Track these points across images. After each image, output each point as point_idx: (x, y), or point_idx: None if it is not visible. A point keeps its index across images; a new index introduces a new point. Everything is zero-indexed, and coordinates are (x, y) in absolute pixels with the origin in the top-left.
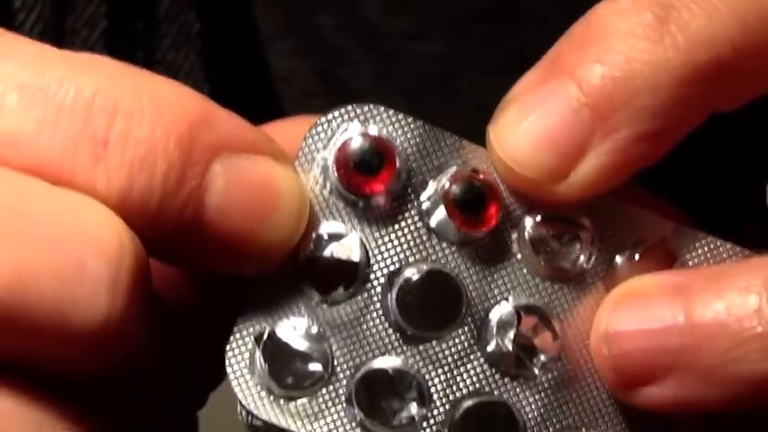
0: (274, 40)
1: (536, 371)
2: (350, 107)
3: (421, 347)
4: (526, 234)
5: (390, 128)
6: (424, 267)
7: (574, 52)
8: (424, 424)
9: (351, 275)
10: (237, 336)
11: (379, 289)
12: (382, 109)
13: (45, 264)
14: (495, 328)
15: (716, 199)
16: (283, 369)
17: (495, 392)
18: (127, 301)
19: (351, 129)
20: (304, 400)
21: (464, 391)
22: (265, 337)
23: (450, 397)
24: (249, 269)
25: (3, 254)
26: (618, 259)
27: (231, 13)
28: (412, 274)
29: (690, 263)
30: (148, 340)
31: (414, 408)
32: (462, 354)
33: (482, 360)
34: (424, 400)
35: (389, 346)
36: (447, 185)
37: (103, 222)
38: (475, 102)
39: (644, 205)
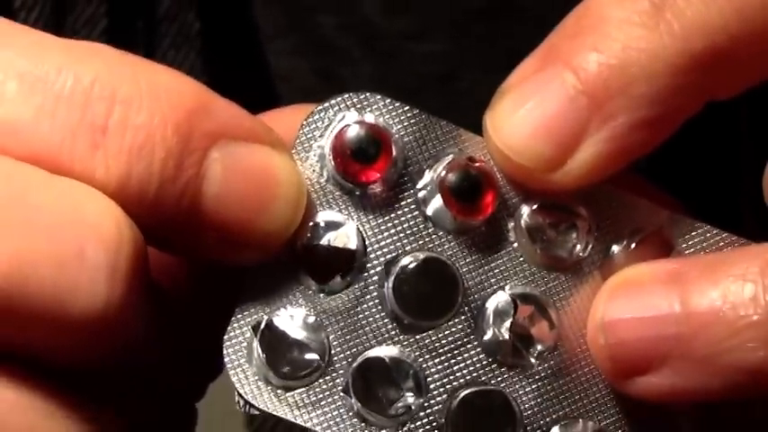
0: (274, 39)
1: (533, 360)
2: (346, 95)
3: (418, 336)
4: (523, 222)
5: (387, 116)
6: (421, 256)
7: (570, 40)
8: (421, 413)
9: (348, 264)
10: (235, 325)
11: (375, 278)
12: (379, 97)
13: (44, 252)
14: (491, 317)
15: (714, 188)
16: (281, 358)
17: (492, 381)
18: (125, 289)
19: (347, 117)
20: (301, 389)
21: (461, 380)
22: (263, 326)
23: (447, 386)
24: (246, 258)
25: (2, 242)
26: (614, 248)
27: (231, 13)
28: (409, 262)
29: (686, 251)
30: (147, 329)
31: (410, 397)
32: (459, 343)
33: (479, 349)
34: (421, 389)
35: (386, 336)
36: (443, 174)
37: (102, 210)
38: (475, 101)
39: (641, 194)
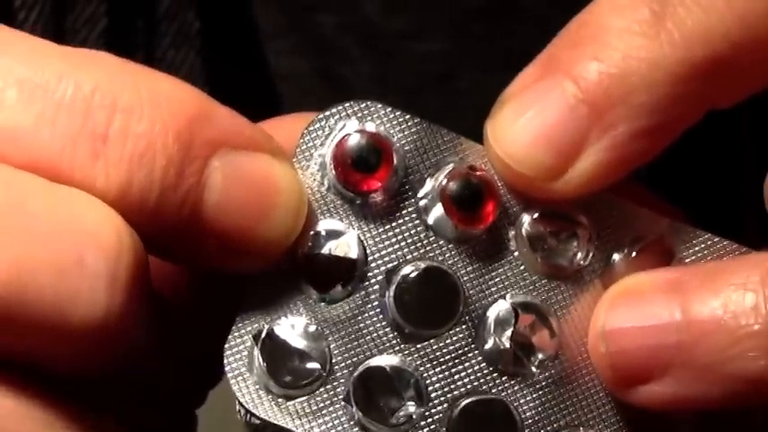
0: (274, 38)
1: (533, 369)
2: (347, 104)
3: (419, 345)
4: (523, 231)
5: (388, 125)
6: (422, 265)
7: (570, 49)
8: (422, 422)
9: (349, 273)
10: (236, 334)
11: (376, 287)
12: (380, 106)
13: (44, 260)
14: (492, 326)
15: (716, 196)
16: (281, 367)
17: (493, 390)
18: (125, 298)
19: (348, 126)
20: (302, 398)
21: (462, 389)
22: (264, 335)
23: (448, 395)
24: (247, 266)
25: (1, 250)
26: (615, 256)
27: (231, 12)
28: (410, 271)
29: (687, 260)
30: (147, 337)
31: (411, 406)
32: (460, 352)
33: (480, 358)
34: (422, 398)
35: (387, 345)
36: (444, 182)
37: (102, 219)
38: (474, 101)
39: (641, 202)
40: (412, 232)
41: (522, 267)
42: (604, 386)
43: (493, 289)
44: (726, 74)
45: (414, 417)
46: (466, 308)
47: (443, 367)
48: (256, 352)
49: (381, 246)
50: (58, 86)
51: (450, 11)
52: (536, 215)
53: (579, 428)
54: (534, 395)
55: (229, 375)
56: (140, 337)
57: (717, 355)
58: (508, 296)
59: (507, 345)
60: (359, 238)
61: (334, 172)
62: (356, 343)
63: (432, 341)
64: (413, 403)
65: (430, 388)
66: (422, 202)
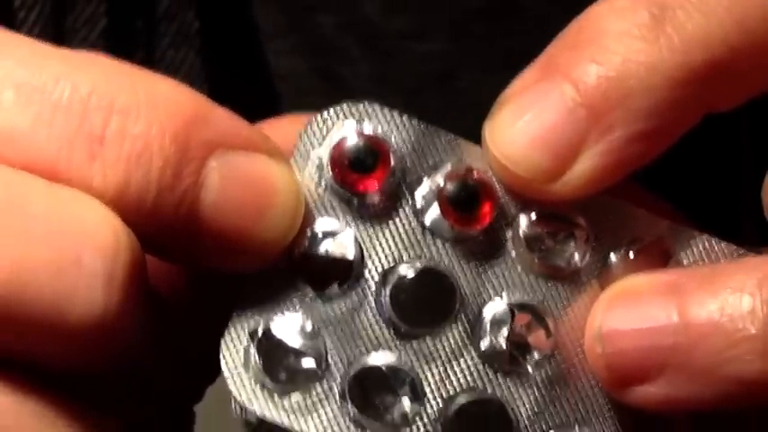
0: (274, 38)
1: (529, 368)
2: (345, 105)
3: (414, 344)
4: (521, 232)
5: (385, 126)
6: (419, 265)
7: (569, 52)
8: (417, 420)
9: (345, 272)
10: (232, 331)
11: (373, 286)
12: (377, 107)
13: (42, 260)
14: (488, 326)
15: (714, 198)
16: (277, 365)
17: (489, 389)
18: (122, 297)
19: (346, 127)
20: (298, 395)
21: (457, 387)
22: (260, 333)
23: (444, 394)
24: (244, 266)
25: (1, 250)
26: (613, 257)
27: (230, 12)
28: (406, 271)
29: (685, 261)
30: (144, 335)
31: (407, 404)
32: (456, 351)
33: (475, 357)
34: (418, 396)
35: (383, 343)
36: (441, 183)
37: (99, 219)
38: (474, 101)
39: (640, 203)
40: (409, 232)
41: (518, 268)
42: (600, 386)
43: (489, 289)
44: (724, 78)
45: (409, 415)
46: (462, 307)
47: (439, 366)
48: (252, 349)
49: (378, 245)
50: (55, 88)
51: (450, 11)
52: (533, 216)
53: (574, 428)
54: (530, 394)
55: (225, 372)
56: (137, 334)
57: (713, 357)
58: (505, 296)
59: (503, 344)
60: (355, 237)
61: (331, 173)
62: (352, 341)
63: (428, 340)
64: (408, 401)
65: (426, 386)
66: (419, 203)
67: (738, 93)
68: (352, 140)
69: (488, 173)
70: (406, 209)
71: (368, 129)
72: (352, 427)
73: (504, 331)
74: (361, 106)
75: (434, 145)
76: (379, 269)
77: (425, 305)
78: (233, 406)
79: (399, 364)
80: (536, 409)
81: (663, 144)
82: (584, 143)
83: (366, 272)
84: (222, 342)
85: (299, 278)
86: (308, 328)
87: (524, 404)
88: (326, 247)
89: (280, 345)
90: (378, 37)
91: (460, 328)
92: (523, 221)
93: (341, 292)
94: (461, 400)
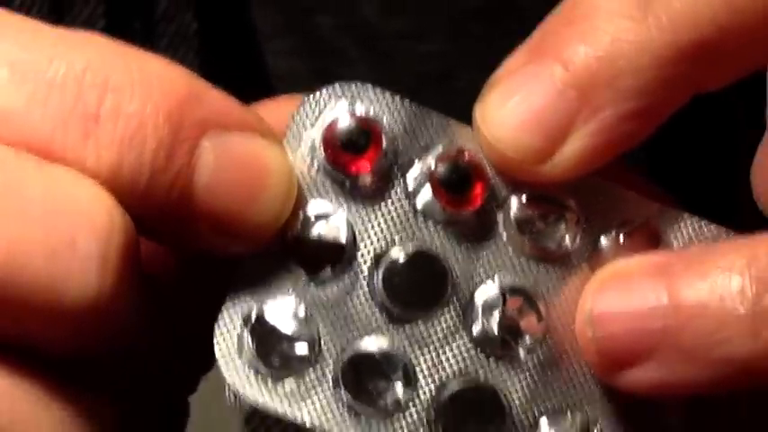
0: (272, 39)
1: (521, 353)
2: (337, 85)
3: (407, 328)
4: (512, 214)
5: (377, 107)
6: (411, 248)
7: (559, 32)
8: (410, 405)
9: (338, 255)
10: (225, 316)
11: (365, 269)
12: (369, 87)
13: (37, 241)
14: (480, 310)
15: (712, 181)
16: (271, 350)
17: (481, 374)
18: (116, 279)
19: (338, 108)
20: (291, 381)
21: (450, 373)
22: (253, 318)
23: (436, 378)
24: (237, 248)
25: None
26: (603, 240)
27: (228, 13)
28: (398, 254)
29: (675, 244)
30: (139, 317)
31: (400, 390)
32: (448, 334)
33: (467, 341)
34: (410, 381)
35: (376, 327)
36: (433, 165)
37: (94, 199)
38: (473, 101)
39: (629, 185)
40: (401, 214)
41: (510, 250)
42: (592, 370)
43: (481, 271)
44: (712, 57)
45: (402, 400)
46: (454, 290)
47: (431, 350)
48: (246, 334)
49: (370, 228)
50: (49, 67)
51: (449, 11)
52: (524, 198)
53: (567, 412)
54: (522, 378)
55: (219, 357)
56: (131, 317)
57: (703, 338)
58: (496, 279)
59: (495, 329)
60: (348, 220)
61: (323, 154)
62: (345, 325)
63: (420, 324)
64: (401, 386)
65: (418, 371)
66: (410, 185)
67: (726, 72)
68: (345, 121)
69: (479, 154)
70: (398, 191)
71: (360, 109)
72: (345, 413)
73: (496, 315)
74: (353, 87)
75: (426, 126)
76: (372, 252)
77: (418, 288)
78: (227, 393)
79: (392, 350)
80: (528, 395)
81: (652, 124)
82: (574, 124)
83: (358, 255)
84: (215, 328)
85: (291, 261)
86: (301, 312)
87: (516, 390)
88: (319, 229)
89: (273, 330)
90: (376, 38)
91: (453, 312)
92: (514, 204)
93: (333, 276)
94: (454, 386)
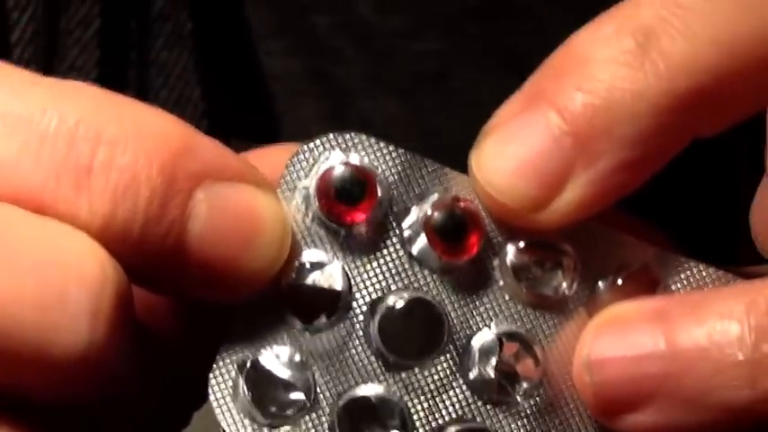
0: (267, 39)
1: (518, 398)
2: (331, 136)
3: (403, 375)
4: (508, 261)
5: (372, 156)
6: (406, 295)
7: (555, 79)
8: None
9: (333, 304)
10: (221, 364)
11: (361, 317)
12: (364, 137)
13: (27, 294)
14: (477, 356)
15: (711, 224)
16: (266, 397)
17: (478, 419)
18: (108, 330)
19: (332, 157)
20: (287, 428)
21: (446, 418)
22: (248, 365)
23: (433, 425)
24: (231, 296)
25: None
26: (600, 285)
27: (223, 13)
28: (394, 302)
29: (673, 288)
30: (131, 366)
31: None
32: (445, 381)
33: (464, 387)
34: (407, 427)
35: (372, 374)
36: (428, 213)
37: (85, 251)
38: (469, 100)
39: (627, 229)
40: (396, 263)
41: (506, 297)
42: (589, 415)
43: (477, 318)
44: (709, 104)
45: None
46: (450, 337)
47: (428, 396)
48: (241, 382)
49: (366, 276)
50: (42, 118)
51: (445, 10)
52: (521, 245)
53: None
54: (519, 424)
55: (214, 405)
56: (123, 366)
57: (701, 384)
58: (493, 325)
59: (492, 374)
60: (343, 268)
61: (318, 204)
62: (341, 373)
63: (416, 371)
64: None
65: (415, 417)
66: (406, 233)
67: (724, 118)
68: (339, 171)
69: (475, 202)
70: (394, 239)
71: (354, 159)
72: None
73: (493, 361)
74: (347, 136)
75: (421, 174)
76: (367, 300)
77: (414, 336)
78: None
79: (388, 396)
80: None
81: (649, 171)
82: (571, 172)
83: (354, 303)
84: (211, 374)
85: (286, 310)
86: (297, 359)
87: None
88: (314, 278)
89: (268, 377)
90: (372, 37)
91: (449, 359)
92: (510, 250)
93: (329, 324)
94: (451, 430)
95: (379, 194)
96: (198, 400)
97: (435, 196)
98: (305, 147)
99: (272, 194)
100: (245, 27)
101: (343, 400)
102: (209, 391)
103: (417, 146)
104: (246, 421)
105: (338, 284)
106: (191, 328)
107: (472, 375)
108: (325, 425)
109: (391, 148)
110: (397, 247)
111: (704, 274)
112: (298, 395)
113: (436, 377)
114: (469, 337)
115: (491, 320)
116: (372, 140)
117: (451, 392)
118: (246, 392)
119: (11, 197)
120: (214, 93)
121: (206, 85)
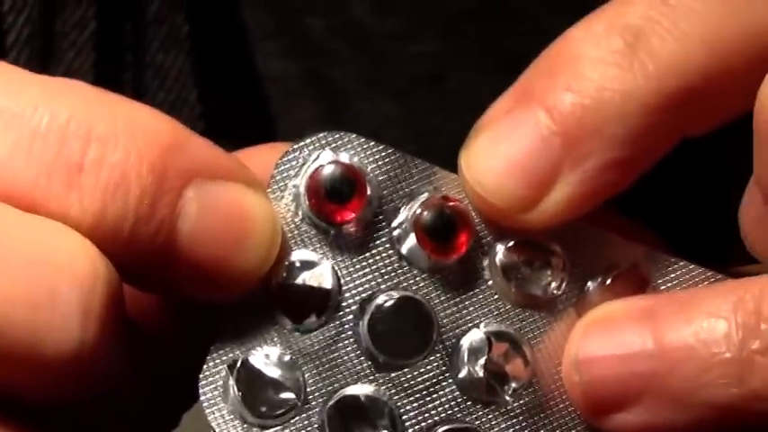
0: (263, 41)
1: (507, 397)
2: (321, 135)
3: (393, 375)
4: (497, 261)
5: (362, 155)
6: (396, 295)
7: (544, 79)
8: None
9: (322, 303)
10: (211, 364)
11: (351, 317)
12: (354, 136)
13: (18, 292)
14: (466, 355)
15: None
16: (256, 397)
17: (467, 419)
18: (99, 329)
19: (322, 157)
20: (277, 428)
21: (436, 418)
22: (238, 365)
23: (423, 424)
24: (221, 296)
25: None
26: (590, 284)
27: (219, 15)
28: (383, 301)
29: (662, 287)
30: (122, 365)
31: None
32: (434, 381)
33: (453, 387)
34: (396, 427)
35: (361, 374)
36: (418, 212)
37: (76, 249)
38: (465, 102)
39: (617, 229)
40: (386, 262)
41: (495, 296)
42: (578, 414)
43: (467, 318)
44: (698, 104)
45: None
46: (440, 337)
47: (417, 396)
48: (231, 382)
49: (355, 276)
50: (33, 115)
51: (441, 11)
52: (510, 244)
53: None
54: (508, 424)
55: (205, 405)
56: (115, 365)
57: (689, 383)
58: (482, 325)
59: (481, 373)
60: (333, 268)
61: (307, 203)
62: (331, 372)
63: (406, 370)
64: None
65: (404, 417)
66: (395, 232)
67: (713, 118)
68: (328, 169)
69: (464, 201)
70: (383, 238)
71: (344, 158)
72: None
73: (482, 360)
74: (337, 136)
75: (410, 173)
76: (357, 299)
77: (403, 335)
78: None
79: (378, 395)
80: None
81: (638, 171)
82: (559, 172)
83: (344, 302)
84: (201, 375)
85: (276, 309)
86: (287, 359)
87: None
88: (304, 277)
89: (258, 377)
90: (367, 38)
91: (438, 359)
92: (500, 250)
93: (319, 324)
94: (440, 430)
95: (369, 193)
96: (187, 401)
97: (425, 195)
98: (295, 146)
99: (262, 194)
100: (242, 29)
101: (332, 400)
102: (200, 391)
103: (413, 147)
104: (237, 422)
105: (328, 284)
106: (181, 327)
107: (461, 375)
108: (315, 425)
109: (381, 148)
110: (387, 246)
111: (693, 273)
112: (288, 395)
113: (426, 377)
114: (459, 337)
115: (480, 320)
116: (362, 140)
117: (441, 392)
118: (237, 392)
119: (2, 195)
120: (210, 95)
121: (202, 87)
